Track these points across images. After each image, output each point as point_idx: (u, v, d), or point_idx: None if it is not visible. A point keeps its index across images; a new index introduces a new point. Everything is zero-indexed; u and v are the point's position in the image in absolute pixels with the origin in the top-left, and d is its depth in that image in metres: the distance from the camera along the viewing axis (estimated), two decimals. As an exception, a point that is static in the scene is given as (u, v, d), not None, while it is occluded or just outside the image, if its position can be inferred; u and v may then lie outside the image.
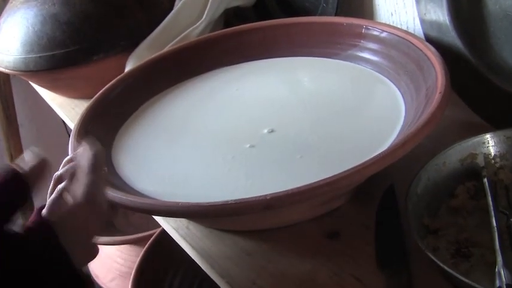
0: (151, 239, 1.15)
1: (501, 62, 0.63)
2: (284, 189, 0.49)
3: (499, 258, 0.47)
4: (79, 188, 0.49)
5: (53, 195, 0.50)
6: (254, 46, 0.80)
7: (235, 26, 0.84)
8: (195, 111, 0.74)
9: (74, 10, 0.85)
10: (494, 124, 0.64)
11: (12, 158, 1.44)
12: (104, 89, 0.74)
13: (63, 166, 0.54)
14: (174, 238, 0.63)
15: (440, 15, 0.66)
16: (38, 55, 0.85)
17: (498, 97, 0.63)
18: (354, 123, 0.65)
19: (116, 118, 0.73)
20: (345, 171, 0.49)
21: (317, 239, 0.57)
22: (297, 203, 0.49)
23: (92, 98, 0.73)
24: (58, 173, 0.53)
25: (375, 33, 0.71)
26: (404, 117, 0.62)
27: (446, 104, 0.55)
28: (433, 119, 0.52)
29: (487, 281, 0.47)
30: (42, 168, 0.51)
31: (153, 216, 0.65)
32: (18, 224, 0.48)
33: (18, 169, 0.50)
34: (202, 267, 0.58)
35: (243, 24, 0.83)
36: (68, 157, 0.56)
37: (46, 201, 0.50)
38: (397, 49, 0.68)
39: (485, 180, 0.56)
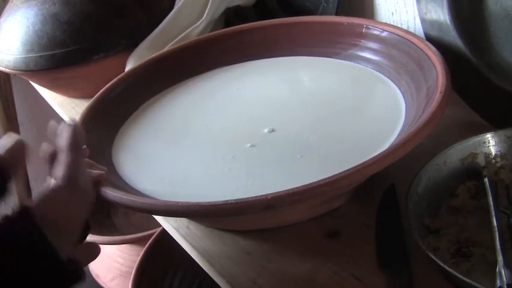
0: (152, 238, 1.16)
1: (502, 61, 0.63)
2: (284, 189, 0.49)
3: (500, 258, 0.47)
4: (59, 170, 0.47)
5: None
6: (255, 45, 0.80)
7: (235, 25, 0.84)
8: (195, 111, 0.74)
9: (74, 10, 0.85)
10: (494, 123, 0.64)
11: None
12: (104, 88, 0.74)
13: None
14: (174, 238, 0.63)
15: (441, 14, 0.66)
16: (38, 54, 0.85)
17: (499, 97, 0.63)
18: (355, 122, 0.65)
19: (116, 117, 0.73)
20: (345, 171, 0.49)
21: (317, 239, 0.57)
22: (298, 202, 0.49)
23: (92, 97, 0.73)
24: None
25: (376, 32, 0.71)
26: (405, 116, 0.62)
27: (447, 103, 0.54)
28: (434, 119, 0.52)
29: (487, 280, 0.47)
30: (19, 150, 0.48)
31: (154, 216, 0.65)
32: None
33: None
34: (203, 267, 0.58)
35: (243, 23, 0.83)
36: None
37: None
38: (398, 48, 0.68)
39: (485, 179, 0.56)
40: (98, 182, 0.55)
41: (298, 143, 0.63)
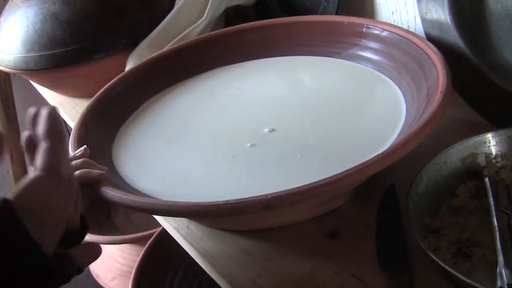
0: (152, 238, 1.16)
1: (502, 61, 0.63)
2: (285, 189, 0.49)
3: (500, 258, 0.47)
4: (38, 158, 0.44)
5: None
6: (255, 45, 0.80)
7: (235, 25, 0.84)
8: (195, 110, 0.74)
9: (75, 9, 0.85)
10: (495, 123, 0.64)
11: (12, 157, 1.44)
12: (104, 88, 0.74)
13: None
14: (174, 238, 0.62)
15: (442, 14, 0.66)
16: (39, 54, 0.85)
17: (499, 96, 0.63)
18: (355, 122, 0.65)
19: (116, 117, 0.73)
20: (345, 171, 0.49)
21: (317, 239, 0.57)
22: (298, 202, 0.49)
23: (92, 97, 0.73)
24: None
25: (376, 32, 0.71)
26: (406, 116, 0.61)
27: (448, 103, 0.54)
28: (434, 119, 0.52)
29: (488, 281, 0.47)
30: None
31: (154, 216, 0.64)
32: None
33: None
34: (203, 267, 0.58)
35: (243, 23, 0.83)
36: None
37: None
38: (398, 48, 0.68)
39: (486, 179, 0.56)
40: (98, 182, 0.55)
41: (298, 143, 0.62)
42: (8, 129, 1.44)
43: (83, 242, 0.52)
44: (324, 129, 0.64)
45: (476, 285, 0.44)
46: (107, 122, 0.71)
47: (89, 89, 0.84)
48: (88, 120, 0.68)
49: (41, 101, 1.07)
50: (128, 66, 0.84)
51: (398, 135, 0.59)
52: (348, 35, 0.74)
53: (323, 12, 0.85)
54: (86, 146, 0.60)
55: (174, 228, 0.62)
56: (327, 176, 0.49)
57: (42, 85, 0.99)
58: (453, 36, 0.65)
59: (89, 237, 0.51)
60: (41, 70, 0.86)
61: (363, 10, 0.84)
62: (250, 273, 0.55)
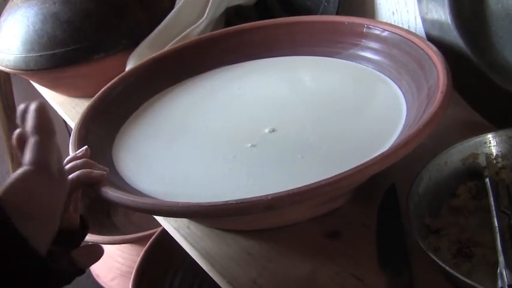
0: (152, 238, 1.16)
1: (503, 61, 0.63)
2: (285, 189, 0.49)
3: (501, 259, 0.47)
4: (26, 153, 0.44)
5: None
6: (255, 45, 0.80)
7: (236, 25, 0.83)
8: (196, 110, 0.74)
9: (75, 9, 0.85)
10: (495, 123, 0.64)
11: (12, 157, 1.44)
12: (104, 88, 0.74)
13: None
14: (174, 238, 0.62)
15: (442, 14, 0.66)
16: (39, 54, 0.85)
17: (500, 96, 0.63)
18: (356, 122, 0.65)
19: (116, 117, 0.73)
20: (346, 171, 0.49)
21: (318, 239, 0.57)
22: (298, 203, 0.49)
23: (92, 97, 0.72)
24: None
25: (376, 32, 0.71)
26: (406, 116, 0.61)
27: (448, 103, 0.54)
28: (435, 119, 0.52)
29: (488, 281, 0.47)
30: None
31: (154, 216, 0.64)
32: None
33: None
34: (203, 267, 0.58)
35: (244, 23, 0.83)
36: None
37: None
38: (399, 48, 0.68)
39: (487, 180, 0.56)
40: (99, 182, 0.55)
41: (298, 143, 0.62)
42: (8, 129, 1.44)
43: (85, 243, 0.52)
44: (324, 130, 0.64)
45: (477, 285, 0.44)
46: (107, 122, 0.71)
47: (89, 89, 0.84)
48: (88, 120, 0.68)
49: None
50: (128, 66, 0.84)
51: (398, 136, 0.58)
52: (348, 35, 0.74)
53: (323, 12, 0.85)
54: (86, 146, 0.60)
55: (175, 229, 0.62)
56: (327, 177, 0.49)
57: (42, 85, 0.99)
58: (453, 36, 0.65)
59: (88, 237, 0.52)
60: (41, 70, 0.86)
61: (363, 10, 0.84)
62: (250, 274, 0.55)
